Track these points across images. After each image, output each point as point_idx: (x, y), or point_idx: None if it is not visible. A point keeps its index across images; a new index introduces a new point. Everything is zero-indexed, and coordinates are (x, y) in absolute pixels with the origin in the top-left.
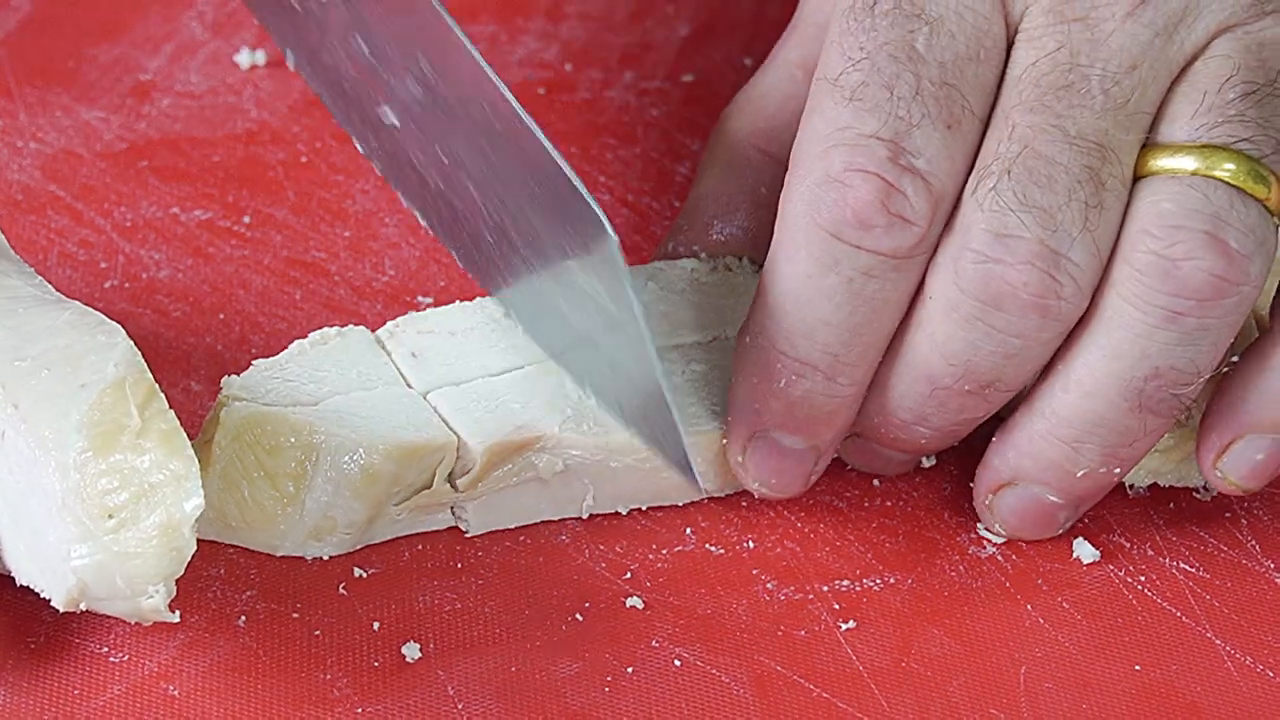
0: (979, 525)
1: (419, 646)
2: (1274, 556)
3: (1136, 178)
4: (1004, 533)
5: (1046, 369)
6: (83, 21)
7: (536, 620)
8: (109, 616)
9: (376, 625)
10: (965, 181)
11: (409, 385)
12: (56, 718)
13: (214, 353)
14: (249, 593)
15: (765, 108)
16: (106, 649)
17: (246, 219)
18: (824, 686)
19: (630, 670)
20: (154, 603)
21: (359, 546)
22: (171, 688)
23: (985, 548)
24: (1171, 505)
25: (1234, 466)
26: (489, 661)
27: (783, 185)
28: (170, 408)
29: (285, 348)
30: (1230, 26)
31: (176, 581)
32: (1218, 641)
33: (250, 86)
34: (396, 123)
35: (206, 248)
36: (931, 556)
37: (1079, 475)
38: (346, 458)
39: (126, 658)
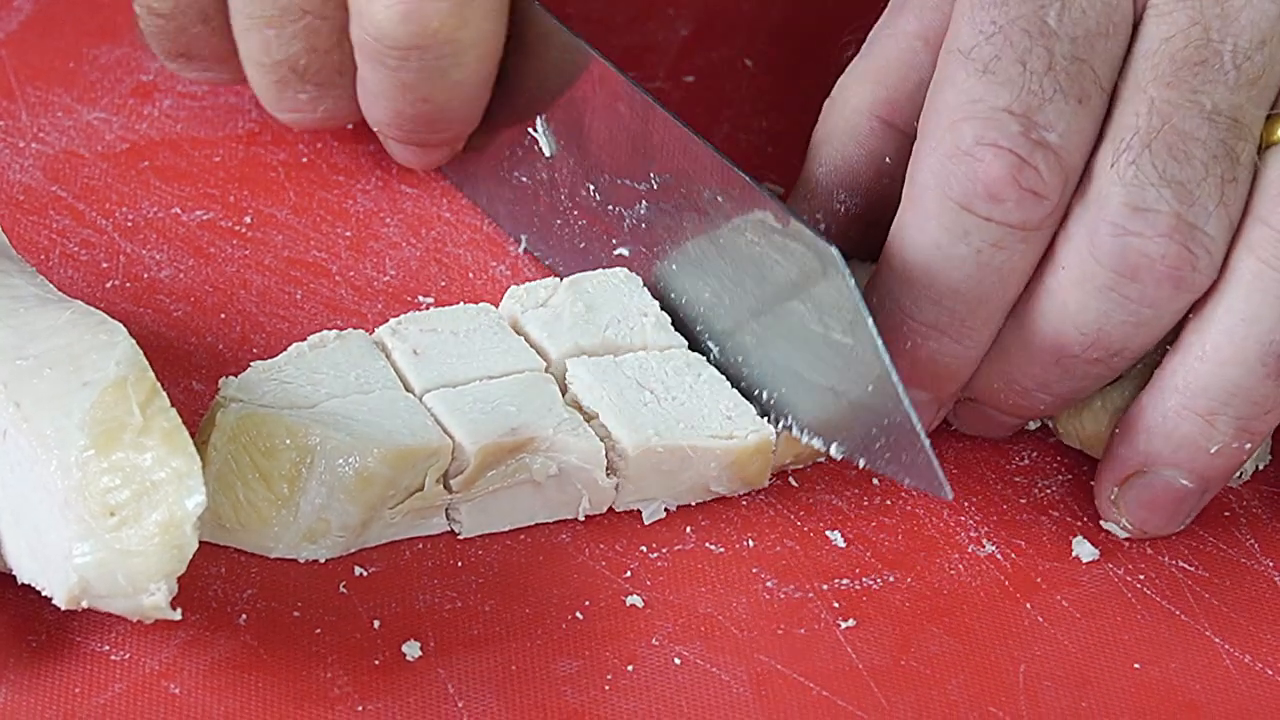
0: (1098, 520)
1: (419, 645)
2: (1273, 555)
3: (1265, 147)
4: (1130, 527)
5: (1174, 345)
6: (84, 22)
7: (536, 618)
8: (110, 614)
9: (377, 623)
10: (1093, 153)
11: (407, 386)
12: (58, 715)
13: (215, 352)
14: (250, 591)
15: (886, 78)
16: (108, 647)
17: (247, 219)
18: (824, 685)
19: (630, 668)
20: (155, 600)
21: (353, 550)
22: (173, 686)
23: (984, 546)
24: None
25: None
26: (489, 660)
27: (909, 156)
28: (172, 406)
29: (286, 347)
30: None
31: (178, 579)
32: (1216, 640)
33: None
34: (626, 252)
35: (207, 248)
36: (931, 555)
37: (1213, 451)
38: (341, 460)
39: (128, 656)
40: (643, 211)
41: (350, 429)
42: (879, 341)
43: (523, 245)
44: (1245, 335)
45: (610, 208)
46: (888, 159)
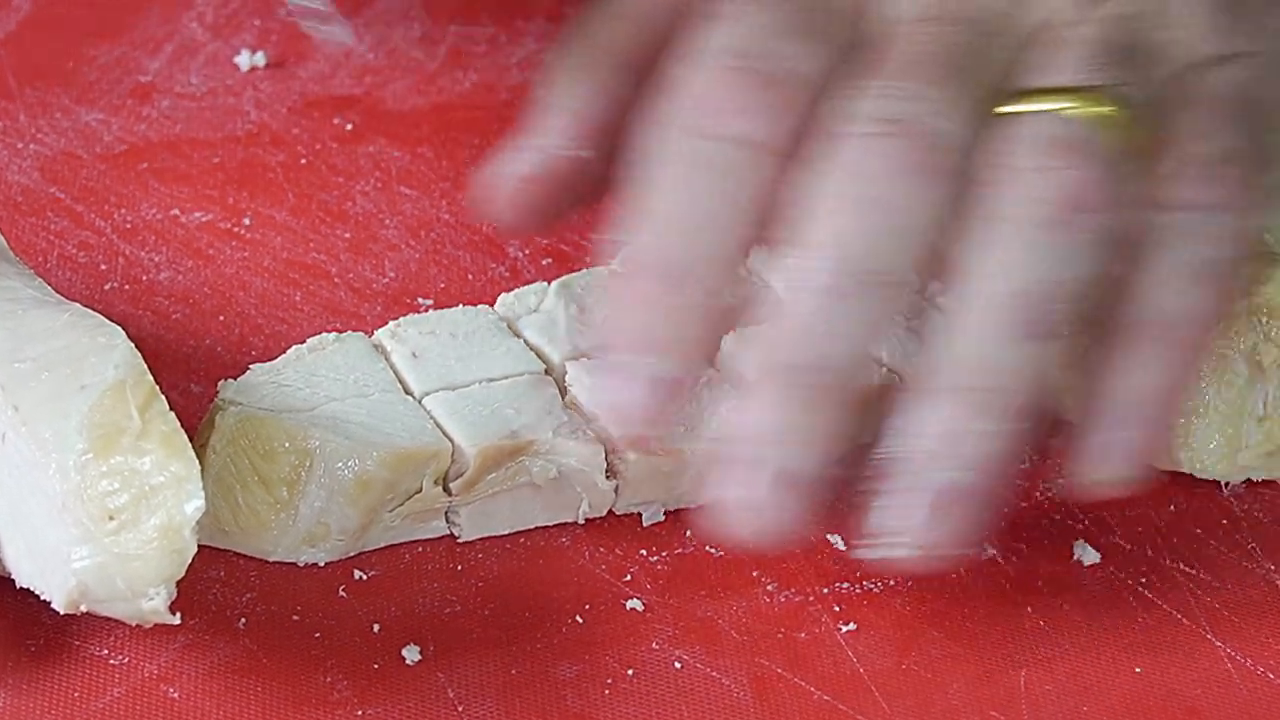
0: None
1: (419, 649)
2: (1274, 558)
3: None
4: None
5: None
6: (83, 22)
7: (536, 622)
8: (109, 619)
9: (376, 628)
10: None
11: (406, 388)
12: None
13: (214, 355)
14: (249, 595)
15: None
16: (107, 651)
17: (246, 221)
18: (824, 689)
19: (630, 672)
20: (154, 605)
21: (352, 553)
22: (172, 690)
23: (985, 550)
24: (1172, 507)
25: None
26: (489, 664)
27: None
28: (170, 410)
29: (285, 350)
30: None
31: (177, 583)
32: (1218, 643)
33: (250, 88)
34: None
35: (206, 250)
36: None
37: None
38: (340, 464)
39: (127, 660)
40: None
41: (349, 432)
42: None
43: None
44: (990, 292)
45: None
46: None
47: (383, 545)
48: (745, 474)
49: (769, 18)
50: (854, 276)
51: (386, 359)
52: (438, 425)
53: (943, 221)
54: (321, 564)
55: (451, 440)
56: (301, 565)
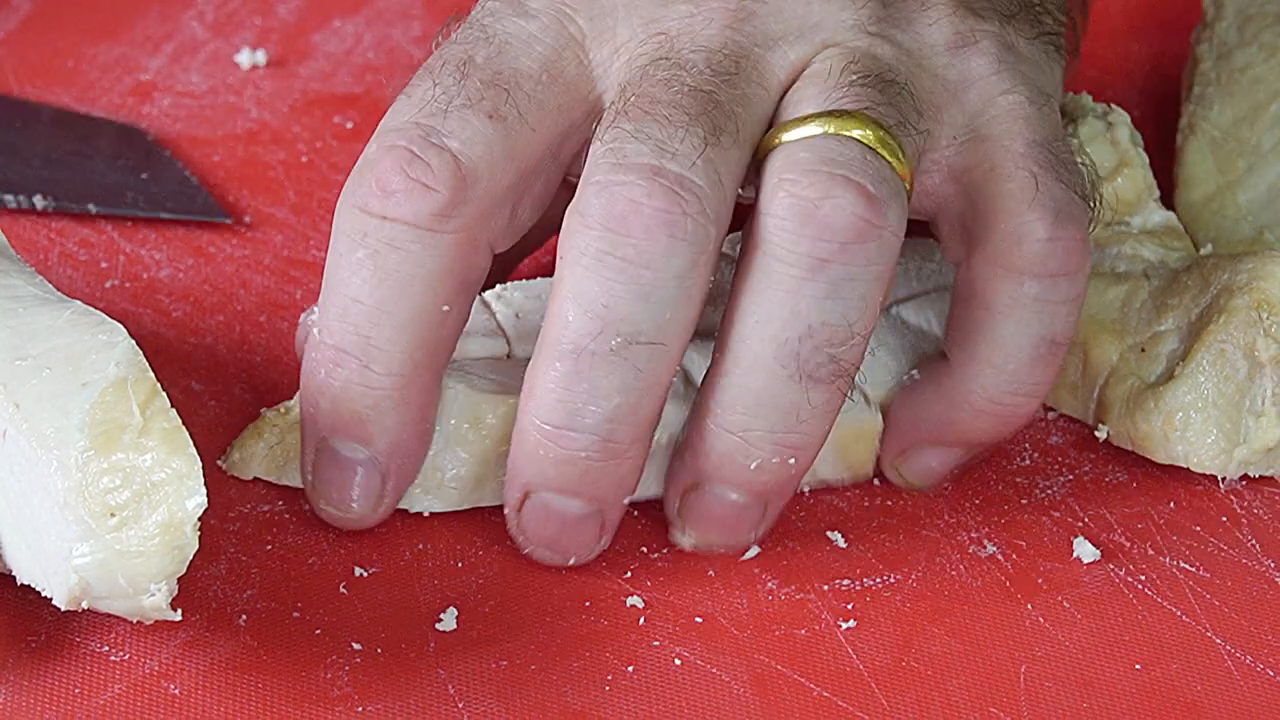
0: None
1: (420, 646)
2: (1274, 555)
3: (767, 154)
4: (693, 540)
5: (710, 369)
6: (83, 21)
7: (537, 619)
8: (110, 615)
9: (377, 625)
10: (518, 182)
11: (510, 347)
12: (57, 716)
13: (214, 352)
14: (250, 592)
15: None
16: (107, 648)
17: (247, 219)
18: (824, 686)
19: (630, 669)
20: (155, 601)
21: (467, 506)
22: (172, 686)
23: (985, 547)
24: (1172, 505)
25: (911, 470)
26: (489, 660)
27: None
28: (172, 407)
29: (286, 348)
30: (836, 43)
31: (178, 580)
32: (1218, 641)
33: (250, 86)
34: None
35: (207, 247)
36: (932, 556)
37: (753, 468)
38: (454, 408)
39: (127, 656)
40: None
41: (463, 379)
42: None
43: None
44: (760, 338)
45: None
46: None
47: (497, 503)
48: (532, 514)
49: (444, 91)
50: (602, 340)
51: (493, 319)
52: None
53: (699, 274)
54: (427, 514)
55: None
56: (413, 512)
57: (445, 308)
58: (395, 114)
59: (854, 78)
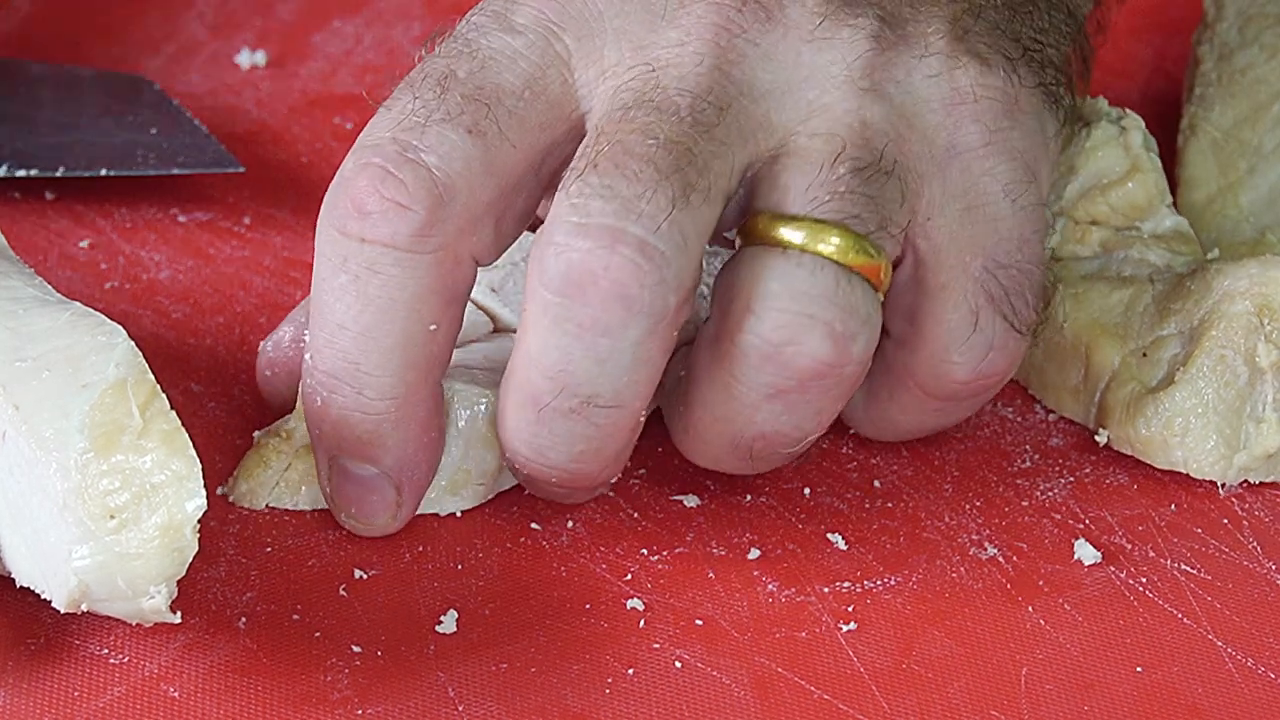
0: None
1: (419, 648)
2: (1275, 558)
3: (745, 243)
4: None
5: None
6: (83, 21)
7: (537, 622)
8: (110, 618)
9: (376, 627)
10: (499, 199)
11: (496, 321)
12: (57, 719)
13: (214, 354)
14: (249, 594)
15: None
16: (107, 650)
17: (247, 220)
18: (825, 688)
19: (631, 672)
20: (155, 604)
21: (490, 497)
22: (172, 689)
23: (986, 549)
24: (1173, 507)
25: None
26: (489, 663)
27: None
28: (171, 408)
29: None
30: (823, 106)
31: (178, 582)
32: (1219, 643)
33: (250, 86)
34: None
35: (207, 249)
36: (932, 558)
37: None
38: (473, 408)
39: (127, 659)
40: None
41: (473, 377)
42: None
43: None
44: (717, 432)
45: None
46: None
47: (510, 487)
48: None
49: (423, 105)
50: (562, 400)
51: (472, 301)
52: None
53: (658, 340)
54: (459, 514)
55: None
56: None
57: (433, 326)
58: (373, 128)
59: (842, 171)
